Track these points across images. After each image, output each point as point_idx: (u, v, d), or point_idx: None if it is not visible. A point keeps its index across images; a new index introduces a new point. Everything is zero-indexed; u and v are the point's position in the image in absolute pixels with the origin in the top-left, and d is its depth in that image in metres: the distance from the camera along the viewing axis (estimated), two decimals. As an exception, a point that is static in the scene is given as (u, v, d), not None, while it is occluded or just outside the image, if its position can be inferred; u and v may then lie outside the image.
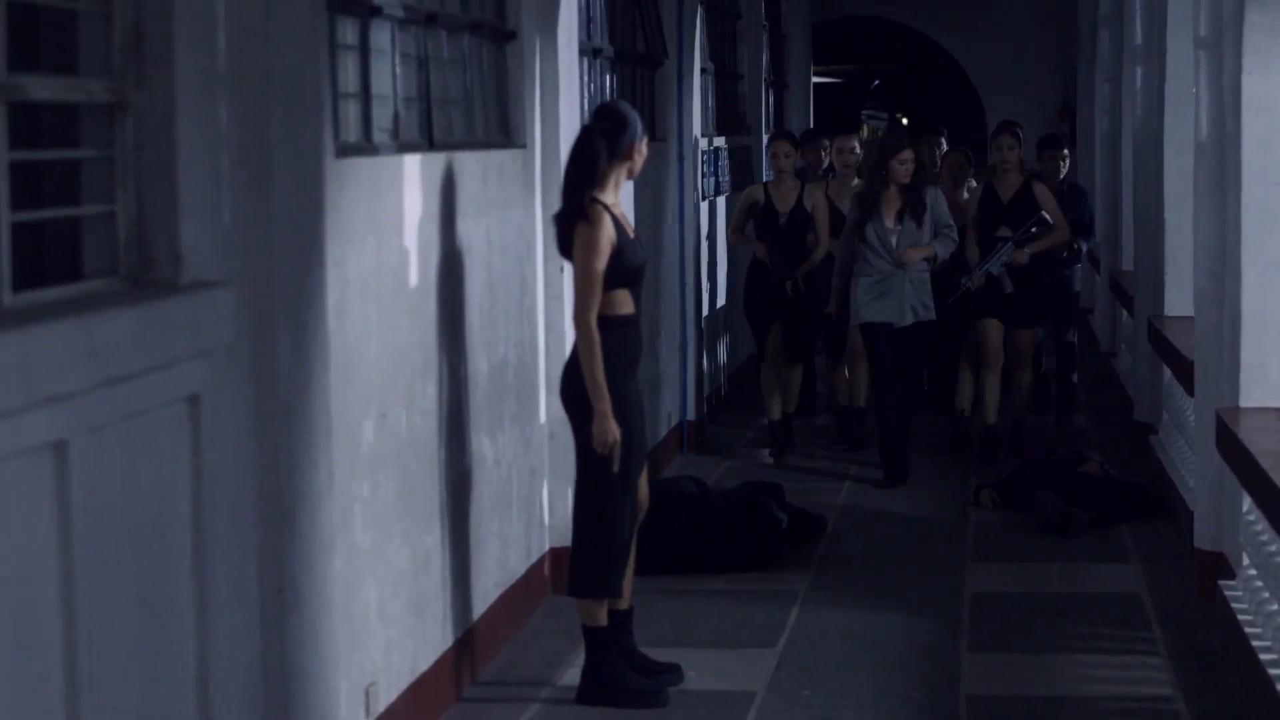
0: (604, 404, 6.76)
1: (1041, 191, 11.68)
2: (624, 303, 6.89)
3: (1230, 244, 7.92)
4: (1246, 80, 7.75)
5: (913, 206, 10.86)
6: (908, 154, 10.84)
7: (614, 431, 6.76)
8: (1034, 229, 11.43)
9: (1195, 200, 8.78)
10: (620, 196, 7.10)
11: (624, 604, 7.13)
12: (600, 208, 6.83)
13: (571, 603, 7.11)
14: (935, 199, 10.98)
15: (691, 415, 12.39)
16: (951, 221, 11.01)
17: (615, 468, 6.81)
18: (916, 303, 10.86)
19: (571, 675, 7.18)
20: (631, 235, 6.96)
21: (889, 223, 10.85)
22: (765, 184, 12.33)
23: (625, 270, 6.86)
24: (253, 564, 4.60)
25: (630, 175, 7.03)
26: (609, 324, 6.83)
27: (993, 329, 11.65)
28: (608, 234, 6.80)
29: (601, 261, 6.78)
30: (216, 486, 4.37)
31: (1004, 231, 11.48)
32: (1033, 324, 11.88)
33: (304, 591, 4.77)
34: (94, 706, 3.82)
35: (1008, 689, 7.11)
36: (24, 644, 3.62)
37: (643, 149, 7.02)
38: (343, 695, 5.46)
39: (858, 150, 12.45)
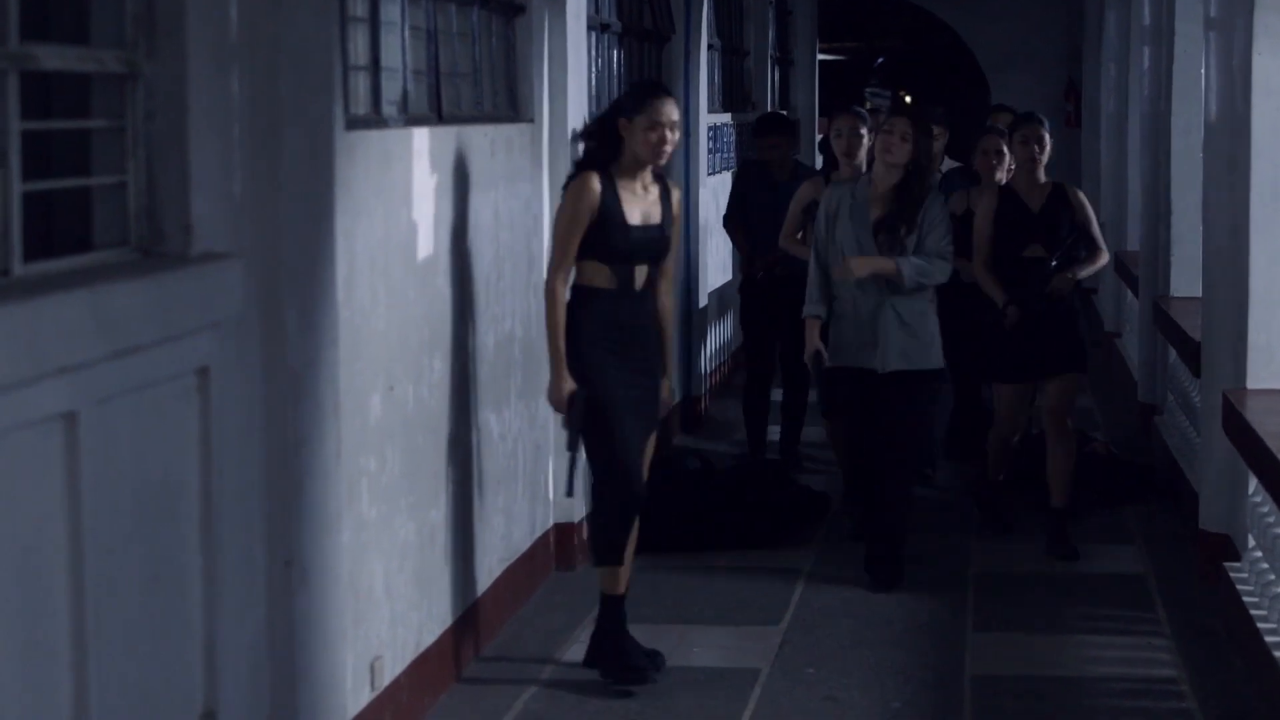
0: (560, 365, 6.81)
1: (1078, 199, 8.90)
2: (596, 275, 6.87)
3: (1239, 225, 7.91)
4: (1257, 61, 7.75)
5: (900, 208, 8.07)
6: (899, 122, 8.10)
7: (564, 390, 6.80)
8: (1076, 249, 8.79)
9: (1205, 181, 8.75)
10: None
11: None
12: (589, 177, 6.80)
13: (575, 578, 7.11)
14: (933, 207, 8.10)
15: (692, 393, 12.36)
16: (950, 243, 8.13)
17: (564, 426, 6.87)
18: (906, 342, 8.06)
19: (575, 651, 7.17)
20: (638, 219, 6.87)
21: (870, 228, 8.13)
22: (827, 175, 9.83)
23: (602, 247, 6.82)
24: (260, 536, 4.59)
25: (633, 158, 6.82)
26: (579, 293, 6.88)
27: (1011, 393, 8.97)
28: (589, 205, 6.78)
29: (574, 230, 6.79)
30: (225, 459, 4.36)
31: (1035, 251, 8.75)
32: (1072, 367, 8.87)
33: (311, 565, 4.77)
34: (101, 677, 3.82)
35: (1012, 669, 7.10)
36: (32, 614, 3.62)
37: (639, 133, 6.75)
38: (349, 669, 5.45)
39: (863, 133, 9.42)
